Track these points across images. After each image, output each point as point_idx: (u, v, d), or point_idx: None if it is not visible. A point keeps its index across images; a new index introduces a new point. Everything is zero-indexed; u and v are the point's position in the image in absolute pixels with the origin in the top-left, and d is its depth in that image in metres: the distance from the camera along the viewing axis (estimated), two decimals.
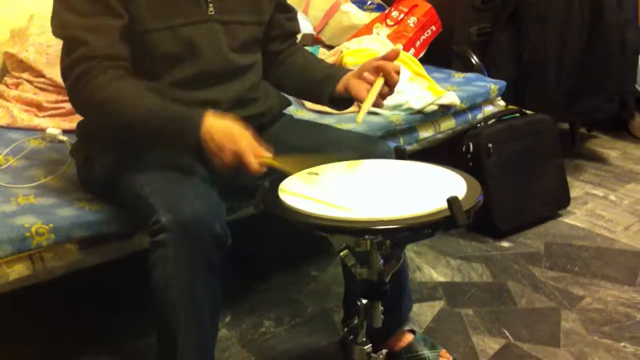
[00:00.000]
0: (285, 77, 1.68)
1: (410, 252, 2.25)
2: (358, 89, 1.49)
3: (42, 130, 1.91)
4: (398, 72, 1.46)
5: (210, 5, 1.48)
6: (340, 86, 1.55)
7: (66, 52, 1.41)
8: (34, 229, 1.40)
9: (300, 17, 2.29)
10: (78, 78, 1.37)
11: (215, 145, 1.32)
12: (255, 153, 1.32)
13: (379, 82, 1.46)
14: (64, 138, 1.85)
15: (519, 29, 2.73)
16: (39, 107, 1.98)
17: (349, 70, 1.60)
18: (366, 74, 1.48)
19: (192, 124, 1.34)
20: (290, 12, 1.70)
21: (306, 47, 2.22)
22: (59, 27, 1.41)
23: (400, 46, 1.62)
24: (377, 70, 1.46)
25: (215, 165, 1.35)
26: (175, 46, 1.44)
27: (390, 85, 1.47)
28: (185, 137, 1.34)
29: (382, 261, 1.29)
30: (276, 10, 1.63)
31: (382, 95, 1.47)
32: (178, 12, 1.44)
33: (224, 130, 1.33)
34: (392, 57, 1.47)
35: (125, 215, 1.50)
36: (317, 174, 1.36)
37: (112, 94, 1.36)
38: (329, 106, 1.63)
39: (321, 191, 1.27)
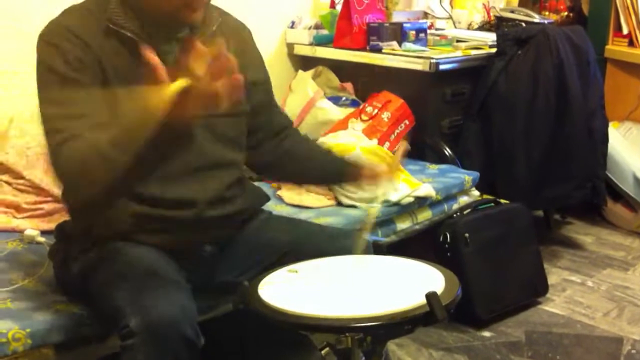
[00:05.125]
0: (295, 161, 1.70)
1: (392, 344, 2.22)
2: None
3: (21, 231, 1.90)
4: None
5: None
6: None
7: (48, 145, 1.31)
8: (10, 334, 1.38)
9: None
10: (57, 153, 1.28)
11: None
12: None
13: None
14: (42, 239, 1.85)
15: (488, 120, 2.81)
16: (17, 208, 1.98)
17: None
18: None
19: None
20: (275, 108, 1.70)
21: None
22: (42, 122, 1.34)
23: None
24: None
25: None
26: None
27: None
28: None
29: (363, 358, 1.28)
30: (262, 112, 1.62)
31: None
32: None
33: None
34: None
35: (100, 318, 1.48)
36: (296, 271, 1.36)
37: (91, 144, 1.22)
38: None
39: (300, 289, 1.28)
